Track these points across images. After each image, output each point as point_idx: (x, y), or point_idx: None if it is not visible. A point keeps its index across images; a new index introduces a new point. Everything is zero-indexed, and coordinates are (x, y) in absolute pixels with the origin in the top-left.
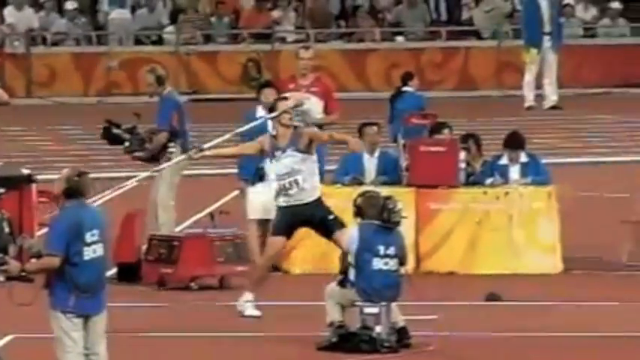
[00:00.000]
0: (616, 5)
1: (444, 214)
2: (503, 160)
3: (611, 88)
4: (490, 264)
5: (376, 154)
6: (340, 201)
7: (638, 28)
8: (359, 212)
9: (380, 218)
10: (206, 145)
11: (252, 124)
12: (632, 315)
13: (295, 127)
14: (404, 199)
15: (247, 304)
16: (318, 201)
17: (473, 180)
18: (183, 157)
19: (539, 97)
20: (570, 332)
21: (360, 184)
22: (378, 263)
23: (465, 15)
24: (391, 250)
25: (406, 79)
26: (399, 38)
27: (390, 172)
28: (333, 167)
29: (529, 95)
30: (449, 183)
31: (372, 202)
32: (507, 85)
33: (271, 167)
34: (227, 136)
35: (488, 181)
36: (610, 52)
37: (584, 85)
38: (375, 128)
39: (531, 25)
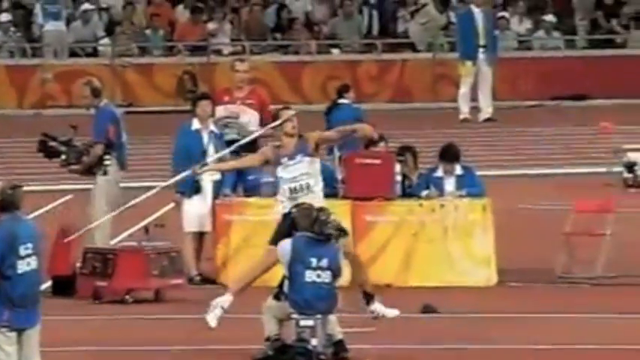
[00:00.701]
0: (550, 18)
1: (379, 226)
2: (439, 173)
3: (545, 101)
4: (426, 276)
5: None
6: (277, 214)
7: (572, 41)
8: (293, 224)
9: (312, 230)
10: (209, 159)
11: (251, 137)
12: (565, 327)
13: (300, 136)
14: (340, 211)
15: (217, 310)
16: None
17: (409, 192)
18: (187, 173)
19: (475, 110)
20: (505, 344)
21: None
22: (310, 275)
23: (400, 27)
24: (324, 263)
25: (342, 91)
26: (335, 51)
27: (325, 185)
28: (270, 179)
29: (464, 107)
30: (385, 195)
31: (305, 214)
32: (443, 98)
33: (280, 175)
34: (228, 150)
35: (424, 193)
36: (544, 64)
37: (519, 98)
38: None
39: (466, 38)
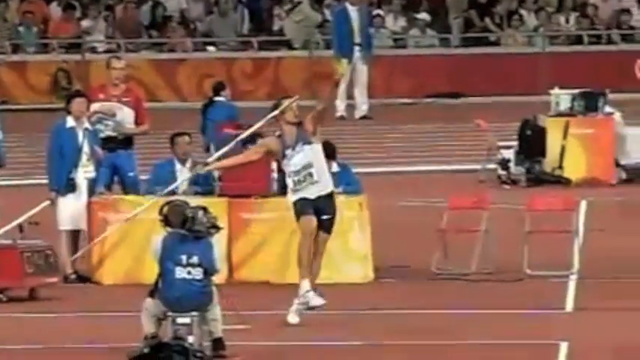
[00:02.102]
0: (424, 16)
1: (256, 223)
2: None
3: (420, 98)
4: None
5: (188, 164)
6: (153, 211)
7: (446, 39)
8: (165, 221)
9: (183, 227)
10: (210, 159)
11: (255, 127)
12: (440, 323)
13: (299, 123)
14: (217, 209)
15: (309, 294)
16: (332, 196)
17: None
18: (189, 174)
19: (350, 107)
20: (380, 340)
21: (173, 194)
22: (180, 272)
23: (276, 25)
24: (194, 260)
25: (218, 89)
26: (211, 48)
27: (202, 183)
28: (146, 177)
29: (340, 105)
30: (261, 193)
31: (176, 211)
32: (319, 95)
33: (285, 167)
34: (231, 145)
35: None
36: (419, 62)
37: (394, 95)
38: (186, 138)
39: (342, 36)
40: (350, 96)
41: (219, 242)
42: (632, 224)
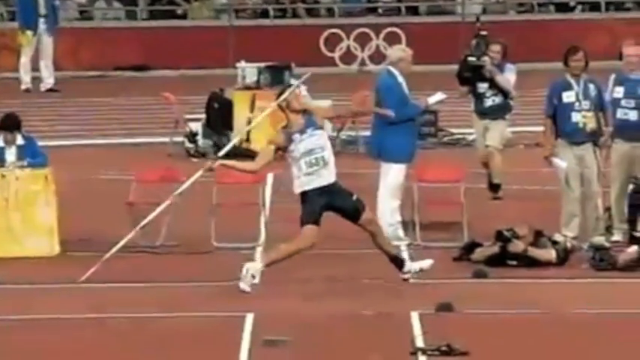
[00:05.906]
0: None
1: None
2: None
3: (108, 71)
4: None
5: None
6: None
7: (133, 11)
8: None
9: None
10: (220, 153)
11: (259, 118)
12: (130, 295)
13: (305, 111)
14: None
15: (249, 278)
16: (338, 183)
17: None
18: (202, 171)
19: (36, 80)
20: (66, 314)
21: None
22: None
23: None
24: None
25: None
26: None
27: None
28: None
29: (25, 77)
30: None
31: None
32: (3, 68)
33: (294, 151)
34: (235, 141)
35: None
36: (106, 34)
37: (81, 68)
38: None
39: (26, 8)
40: (35, 68)
41: None
42: None
